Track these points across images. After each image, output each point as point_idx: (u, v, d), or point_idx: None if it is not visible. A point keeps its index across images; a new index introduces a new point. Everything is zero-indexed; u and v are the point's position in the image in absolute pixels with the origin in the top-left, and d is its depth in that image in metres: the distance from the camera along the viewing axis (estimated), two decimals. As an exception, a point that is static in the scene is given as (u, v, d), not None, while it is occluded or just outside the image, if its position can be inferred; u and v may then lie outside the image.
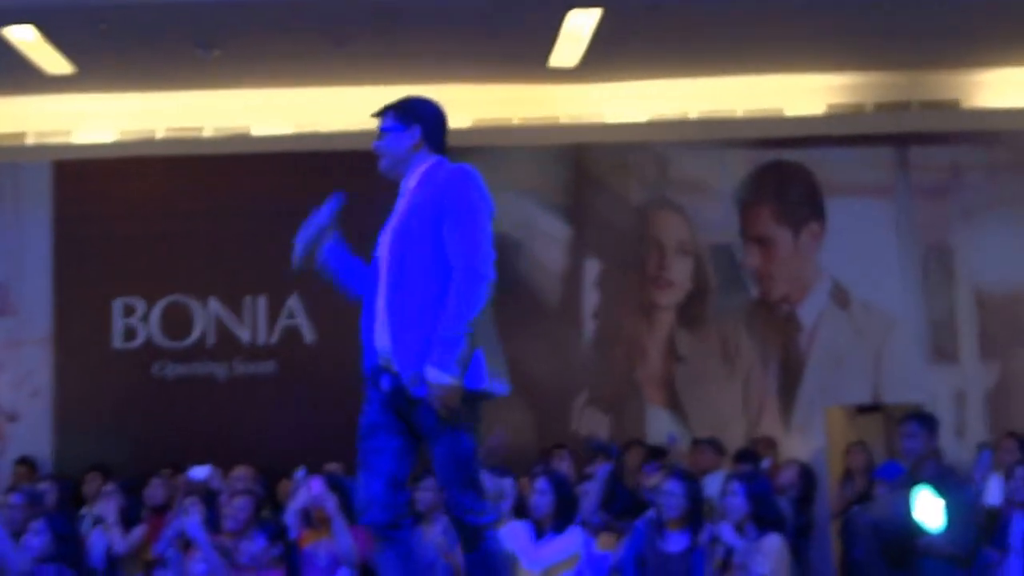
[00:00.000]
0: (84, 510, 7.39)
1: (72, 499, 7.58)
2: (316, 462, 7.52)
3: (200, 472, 7.47)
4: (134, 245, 9.09)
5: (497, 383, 3.62)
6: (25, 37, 7.94)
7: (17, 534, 6.22)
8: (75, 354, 9.16)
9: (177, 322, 9.17)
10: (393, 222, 3.73)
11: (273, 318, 9.18)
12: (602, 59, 8.62)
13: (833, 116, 9.50)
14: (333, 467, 7.39)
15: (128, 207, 9.16)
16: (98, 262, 9.13)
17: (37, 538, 6.14)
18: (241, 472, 7.56)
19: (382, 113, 3.83)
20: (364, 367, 3.71)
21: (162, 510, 7.02)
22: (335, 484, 6.39)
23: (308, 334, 9.16)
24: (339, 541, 6.01)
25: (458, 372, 3.46)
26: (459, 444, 3.58)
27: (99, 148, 9.44)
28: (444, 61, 8.70)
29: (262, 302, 9.18)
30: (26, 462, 8.69)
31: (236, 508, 6.27)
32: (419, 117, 3.79)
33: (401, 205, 3.74)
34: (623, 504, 6.71)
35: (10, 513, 6.58)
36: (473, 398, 3.57)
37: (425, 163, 3.75)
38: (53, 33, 7.95)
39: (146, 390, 9.10)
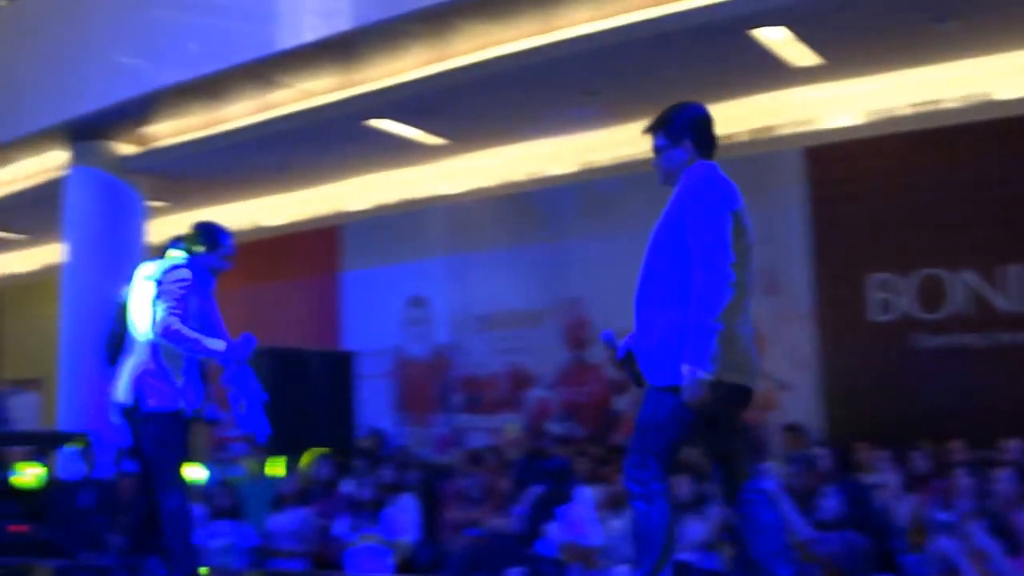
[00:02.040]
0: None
1: (843, 466, 7.77)
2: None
3: None
4: (884, 221, 9.39)
5: (733, 374, 3.71)
6: (776, 37, 8.58)
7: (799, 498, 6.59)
8: (834, 328, 9.66)
9: (931, 294, 9.30)
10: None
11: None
12: None
13: None
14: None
15: (877, 185, 9.47)
16: (852, 240, 9.57)
17: (828, 501, 6.49)
18: (1012, 444, 7.56)
19: (652, 131, 4.02)
20: None
21: (925, 479, 7.15)
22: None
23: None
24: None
25: (710, 368, 3.61)
26: (646, 411, 3.80)
27: (846, 131, 9.86)
28: None
29: (1014, 271, 8.99)
30: (794, 429, 9.10)
31: (1003, 480, 6.28)
32: (688, 130, 3.96)
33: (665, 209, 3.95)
34: None
35: (790, 479, 7.00)
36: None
37: (689, 167, 3.93)
38: (801, 30, 8.49)
39: (902, 362, 9.33)
